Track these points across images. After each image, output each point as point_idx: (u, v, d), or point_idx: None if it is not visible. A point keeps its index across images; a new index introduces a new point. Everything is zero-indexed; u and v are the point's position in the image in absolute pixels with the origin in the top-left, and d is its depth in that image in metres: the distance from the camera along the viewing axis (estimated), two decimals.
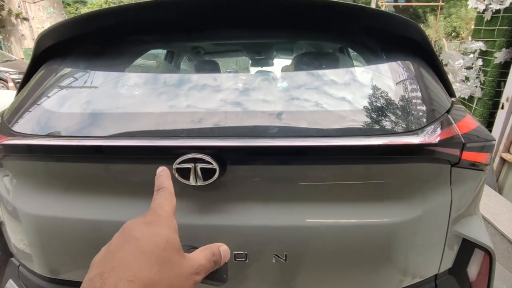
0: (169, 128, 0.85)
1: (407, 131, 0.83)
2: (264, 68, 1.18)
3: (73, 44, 1.13)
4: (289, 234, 0.84)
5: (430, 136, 0.83)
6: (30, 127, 0.92)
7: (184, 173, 0.80)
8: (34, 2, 12.48)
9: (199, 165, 0.78)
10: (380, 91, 0.95)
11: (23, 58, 12.29)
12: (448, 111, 0.93)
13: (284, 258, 0.84)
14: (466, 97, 3.41)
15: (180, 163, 0.79)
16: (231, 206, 0.85)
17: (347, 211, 0.84)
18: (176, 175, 0.80)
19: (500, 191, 3.04)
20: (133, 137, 0.83)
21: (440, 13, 14.35)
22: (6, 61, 10.60)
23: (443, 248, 0.93)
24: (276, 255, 0.84)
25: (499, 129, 3.02)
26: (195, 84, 0.99)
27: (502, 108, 2.99)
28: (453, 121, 0.89)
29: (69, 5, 24.20)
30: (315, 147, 0.78)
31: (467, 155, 0.86)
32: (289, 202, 0.85)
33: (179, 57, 1.32)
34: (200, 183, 0.79)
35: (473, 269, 0.98)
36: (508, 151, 2.99)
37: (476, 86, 3.26)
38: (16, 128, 0.93)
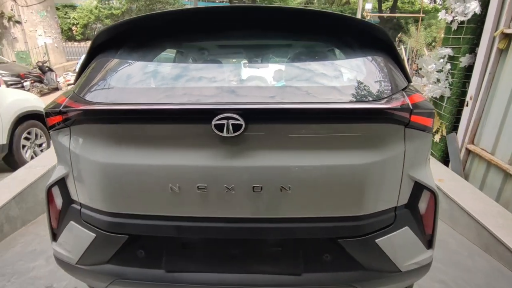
0: (208, 96, 1.20)
1: (376, 100, 1.21)
2: (276, 59, 1.57)
3: (121, 41, 1.47)
4: (293, 172, 1.19)
5: (389, 103, 1.20)
6: (99, 98, 1.26)
7: (219, 127, 1.14)
8: (27, 6, 12.60)
9: (231, 122, 1.13)
10: (359, 75, 1.33)
11: (14, 61, 12.35)
12: (403, 89, 1.31)
13: (288, 189, 1.19)
14: (438, 97, 3.86)
15: (217, 120, 1.13)
16: (252, 152, 1.20)
17: (334, 156, 1.20)
18: (214, 129, 1.14)
19: (466, 178, 3.48)
20: (184, 103, 1.18)
21: (421, 24, 15.18)
22: None
23: (399, 186, 1.29)
24: (283, 187, 1.19)
25: (465, 124, 3.48)
26: (225, 69, 1.35)
27: (467, 105, 3.45)
28: (405, 95, 1.26)
29: (58, 9, 24.17)
30: (314, 109, 1.14)
31: (415, 118, 1.23)
32: (292, 150, 1.20)
33: (209, 52, 1.69)
34: (230, 134, 1.14)
35: (422, 205, 1.35)
36: (472, 143, 3.44)
37: (446, 87, 3.72)
38: (88, 98, 1.26)
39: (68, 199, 1.40)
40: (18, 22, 12.76)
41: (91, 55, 1.49)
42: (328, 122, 1.19)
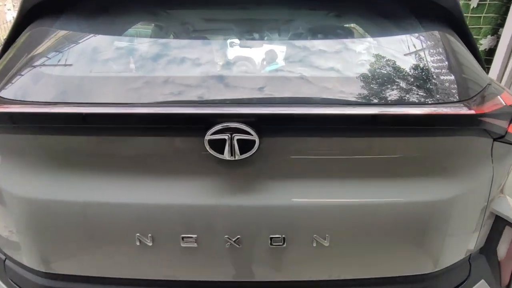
0: (198, 94, 0.73)
1: (452, 102, 0.78)
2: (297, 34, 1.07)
3: (65, 2, 0.97)
4: (332, 214, 0.76)
5: (478, 106, 0.78)
6: (21, 94, 0.77)
7: (218, 145, 0.69)
8: None
9: (236, 136, 0.68)
10: (420, 62, 0.89)
11: None
12: (489, 84, 0.88)
13: (326, 241, 0.76)
14: None
15: (213, 133, 0.68)
16: (269, 183, 0.76)
17: (391, 189, 0.78)
18: (208, 148, 0.69)
19: None
20: (152, 104, 0.71)
21: None
22: None
23: (480, 226, 0.89)
24: (317, 238, 0.77)
25: None
26: (226, 51, 0.88)
27: None
28: (496, 93, 0.84)
29: None
30: (367, 116, 0.70)
31: None
32: (329, 179, 0.77)
33: (198, 25, 1.18)
34: (236, 157, 0.69)
35: (502, 248, 0.96)
36: None
37: None
38: (4, 94, 0.77)
39: None
40: None
41: (22, 23, 0.98)
42: (384, 135, 0.76)
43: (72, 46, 0.92)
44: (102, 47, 0.95)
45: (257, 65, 0.87)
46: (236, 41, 0.97)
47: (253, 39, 1.08)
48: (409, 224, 0.80)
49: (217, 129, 0.67)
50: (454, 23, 0.99)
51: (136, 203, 0.75)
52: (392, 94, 0.79)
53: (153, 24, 1.30)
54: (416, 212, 0.80)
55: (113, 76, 0.82)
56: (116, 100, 0.73)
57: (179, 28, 1.20)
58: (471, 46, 1.01)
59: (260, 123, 0.69)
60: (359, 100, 0.75)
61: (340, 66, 0.86)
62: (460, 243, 0.89)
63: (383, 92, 0.78)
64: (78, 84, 0.81)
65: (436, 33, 0.95)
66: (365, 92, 0.78)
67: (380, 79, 0.81)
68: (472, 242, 0.90)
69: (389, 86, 0.80)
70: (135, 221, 0.76)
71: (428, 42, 0.94)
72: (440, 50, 0.92)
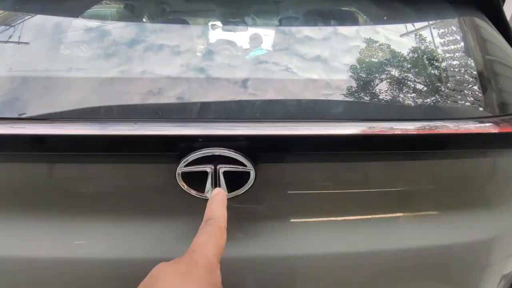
0: (167, 105, 0.52)
1: (497, 115, 0.61)
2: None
3: None
4: (350, 265, 0.58)
5: None
6: None
7: (195, 180, 0.49)
8: None
9: (223, 168, 0.48)
10: (453, 62, 0.71)
11: None
12: None
13: None
14: None
15: (189, 164, 0.47)
16: (266, 227, 0.56)
17: (419, 230, 0.61)
18: (182, 184, 0.49)
19: None
20: (102, 120, 0.49)
21: None
22: None
23: None
24: None
25: None
26: (206, 43, 0.66)
27: None
28: None
29: None
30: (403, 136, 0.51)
31: None
32: (346, 219, 0.58)
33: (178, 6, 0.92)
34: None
35: None
36: None
37: None
38: None
39: None
40: None
41: None
42: (417, 158, 0.58)
43: (7, 32, 0.68)
44: (52, 34, 0.71)
45: (252, 65, 0.65)
46: (224, 32, 0.74)
47: (245, 27, 0.85)
48: (444, 270, 0.63)
49: (194, 158, 0.47)
50: (490, 9, 0.81)
51: (81, 258, 0.53)
52: (427, 106, 0.60)
53: (123, 5, 1.05)
54: (453, 257, 0.63)
55: (55, 77, 0.58)
56: (55, 110, 0.51)
57: (155, 10, 0.96)
58: (510, 40, 0.84)
59: (257, 148, 0.48)
60: (390, 113, 0.56)
61: (361, 65, 0.65)
62: (495, 283, 0.74)
63: (417, 103, 0.59)
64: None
65: (470, 21, 0.77)
66: (397, 103, 0.58)
67: (411, 87, 0.62)
68: (505, 279, 0.76)
69: (424, 96, 0.61)
70: (78, 282, 0.54)
71: (463, 36, 0.76)
72: (479, 46, 0.73)
